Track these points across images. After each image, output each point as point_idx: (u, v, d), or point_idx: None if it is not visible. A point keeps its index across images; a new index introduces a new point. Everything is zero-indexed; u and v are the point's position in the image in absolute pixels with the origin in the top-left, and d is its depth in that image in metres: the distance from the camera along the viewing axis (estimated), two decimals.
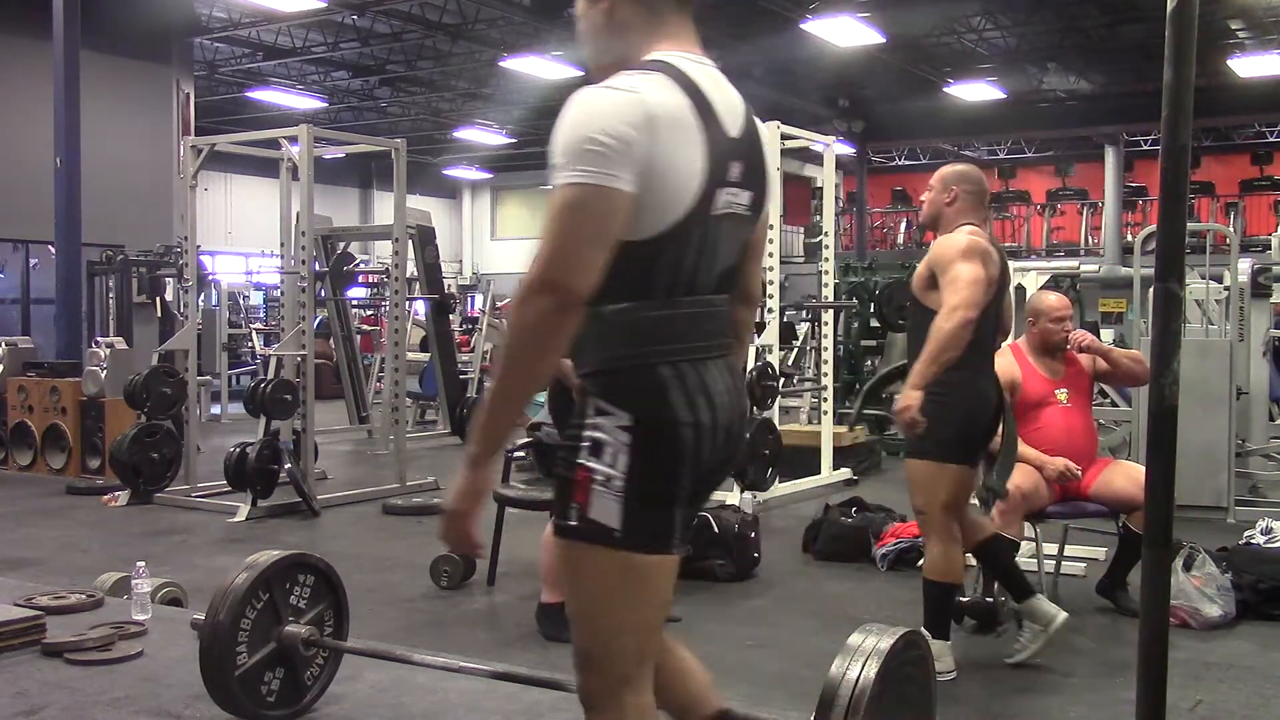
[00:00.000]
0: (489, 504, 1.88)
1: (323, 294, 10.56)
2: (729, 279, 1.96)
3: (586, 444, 1.82)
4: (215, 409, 13.47)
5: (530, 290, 1.73)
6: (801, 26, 14.70)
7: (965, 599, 4.44)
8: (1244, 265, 7.47)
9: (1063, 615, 4.01)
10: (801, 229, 23.58)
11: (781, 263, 8.35)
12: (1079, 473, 4.53)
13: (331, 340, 11.94)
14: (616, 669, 1.88)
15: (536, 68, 16.17)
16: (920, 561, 4.63)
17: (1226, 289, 7.47)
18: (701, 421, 1.83)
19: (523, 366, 1.78)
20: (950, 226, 3.90)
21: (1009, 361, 4.77)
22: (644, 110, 1.75)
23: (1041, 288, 6.00)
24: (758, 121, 1.99)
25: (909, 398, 3.63)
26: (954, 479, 3.84)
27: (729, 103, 1.90)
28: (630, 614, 1.86)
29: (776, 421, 7.38)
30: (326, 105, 20.77)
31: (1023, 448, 4.53)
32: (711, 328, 1.91)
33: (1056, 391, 4.72)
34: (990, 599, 4.40)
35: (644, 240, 1.79)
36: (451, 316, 12.75)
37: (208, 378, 12.64)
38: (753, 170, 1.93)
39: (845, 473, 8.23)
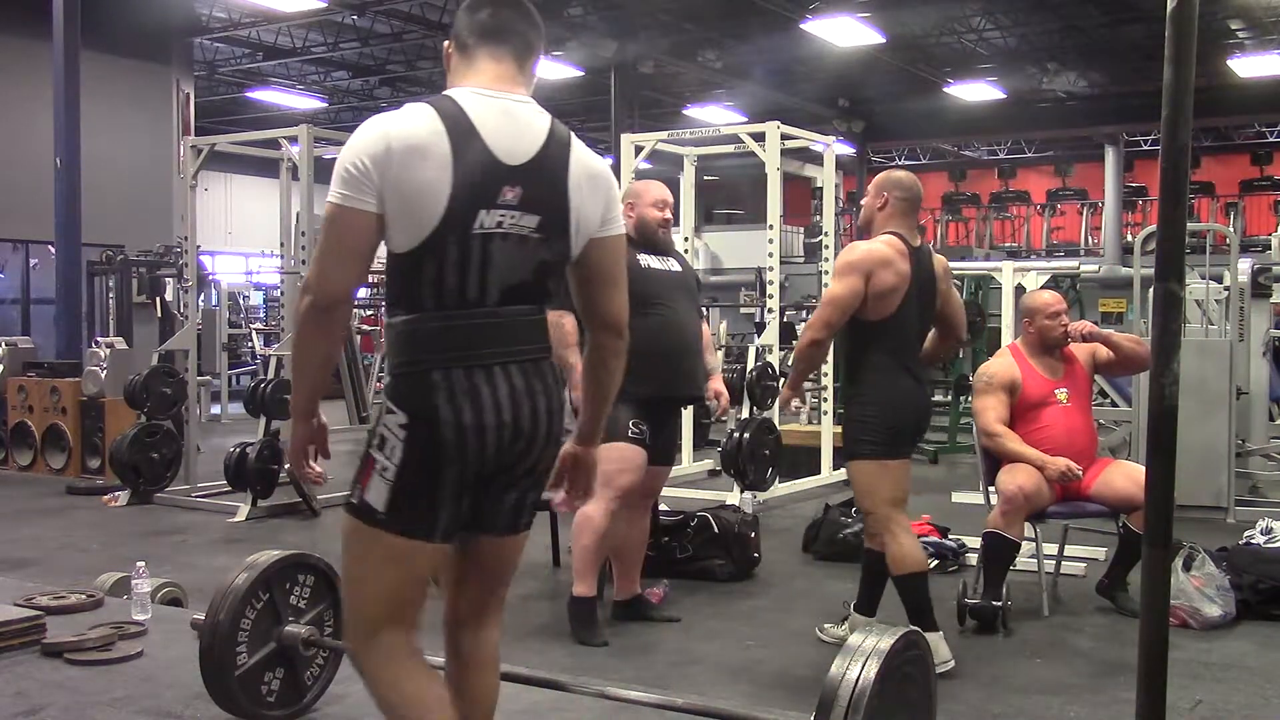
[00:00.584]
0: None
1: None
2: (523, 293, 2.13)
3: (376, 438, 2.11)
4: (215, 409, 13.47)
5: (300, 291, 2.12)
6: (801, 26, 14.71)
7: (970, 600, 4.46)
8: (1244, 265, 7.46)
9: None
10: (801, 229, 23.57)
11: (781, 263, 8.35)
12: (1080, 473, 4.52)
13: None
14: (367, 625, 2.17)
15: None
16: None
17: (1226, 289, 7.46)
18: (464, 422, 2.05)
19: (300, 352, 2.16)
20: (877, 232, 4.01)
21: (1008, 362, 4.78)
22: (384, 141, 2.03)
23: (1041, 288, 5.99)
24: (579, 151, 2.19)
25: (783, 395, 4.39)
26: (894, 474, 3.97)
27: (514, 133, 2.12)
28: (382, 584, 2.14)
29: (776, 421, 7.38)
30: (326, 105, 20.79)
31: (1024, 447, 4.56)
32: (495, 337, 2.10)
33: (1056, 391, 4.72)
34: (996, 602, 4.40)
35: (406, 253, 2.05)
36: None
37: (208, 378, 12.64)
38: (541, 197, 2.11)
39: (845, 473, 8.22)
